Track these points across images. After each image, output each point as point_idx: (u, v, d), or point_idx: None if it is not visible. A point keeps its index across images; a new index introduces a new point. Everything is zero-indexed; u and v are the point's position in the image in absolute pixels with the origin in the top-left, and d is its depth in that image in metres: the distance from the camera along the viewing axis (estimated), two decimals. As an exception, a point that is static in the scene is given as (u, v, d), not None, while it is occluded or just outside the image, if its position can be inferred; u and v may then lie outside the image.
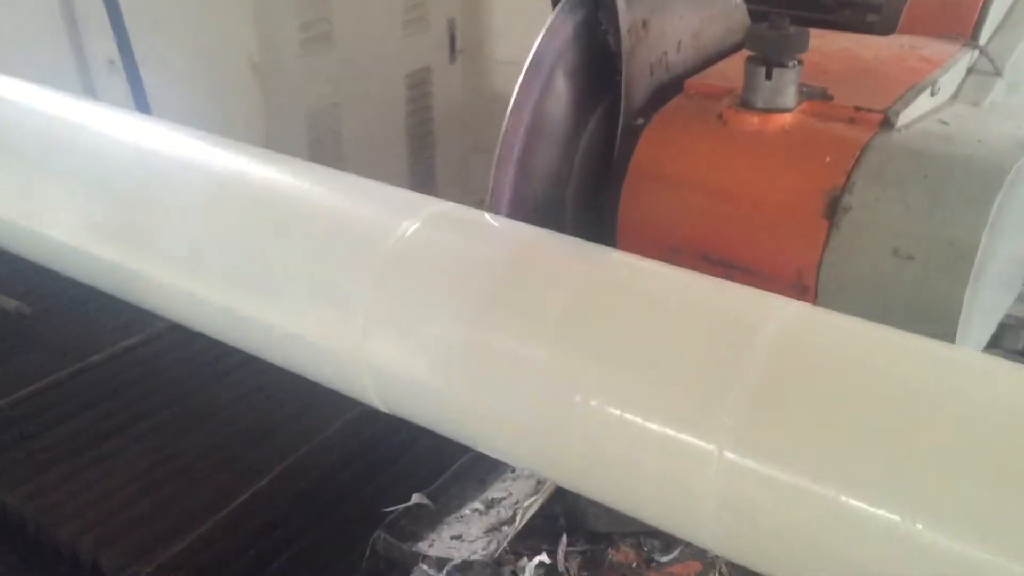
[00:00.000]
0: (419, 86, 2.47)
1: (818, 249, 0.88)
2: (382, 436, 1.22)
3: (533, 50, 0.92)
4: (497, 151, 0.93)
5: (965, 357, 0.72)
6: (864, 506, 0.66)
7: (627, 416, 0.73)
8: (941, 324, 0.84)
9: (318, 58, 2.14)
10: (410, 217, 0.83)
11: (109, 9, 1.71)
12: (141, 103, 1.81)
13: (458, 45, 2.48)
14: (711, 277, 0.77)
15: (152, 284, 0.99)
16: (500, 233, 0.84)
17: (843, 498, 0.67)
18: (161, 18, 1.83)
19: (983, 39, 1.04)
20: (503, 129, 0.91)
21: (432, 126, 2.55)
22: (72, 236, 1.05)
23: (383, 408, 0.92)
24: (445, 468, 1.17)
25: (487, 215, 0.86)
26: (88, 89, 1.79)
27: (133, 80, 1.80)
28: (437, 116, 2.54)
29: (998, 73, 1.01)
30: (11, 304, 1.56)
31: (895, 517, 0.64)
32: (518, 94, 0.91)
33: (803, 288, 0.89)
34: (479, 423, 0.84)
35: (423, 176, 2.52)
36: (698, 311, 0.77)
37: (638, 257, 0.81)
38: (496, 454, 0.88)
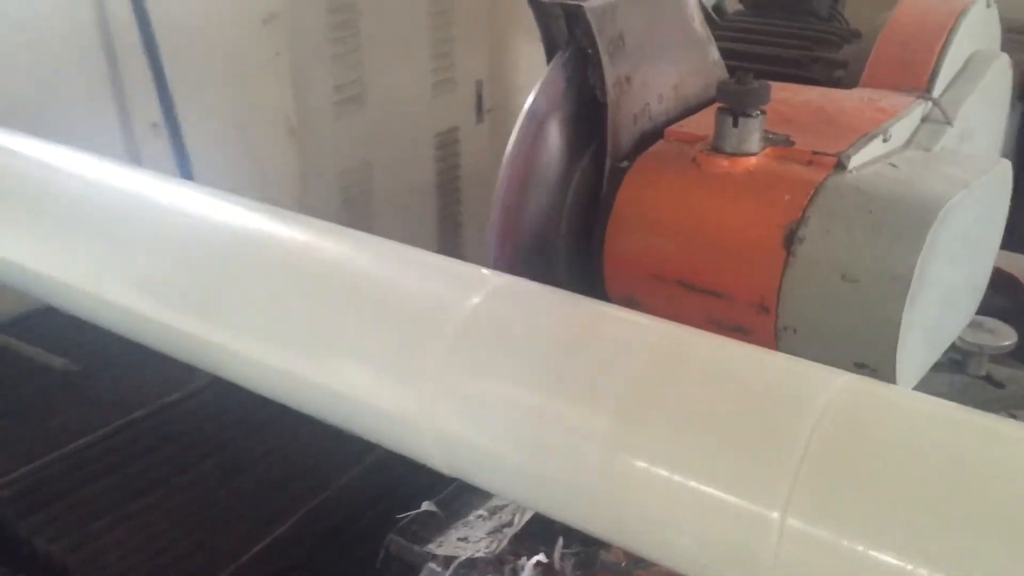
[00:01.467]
0: (448, 145, 2.59)
1: (778, 275, 0.99)
2: (400, 479, 1.34)
3: (529, 102, 1.04)
4: (497, 192, 1.04)
5: (1014, 430, 0.75)
6: (922, 571, 0.68)
7: (690, 483, 0.75)
8: (882, 339, 0.94)
9: (351, 119, 2.26)
10: (475, 291, 0.88)
11: (155, 75, 1.83)
12: (183, 165, 1.91)
13: (485, 105, 2.60)
14: (760, 348, 0.82)
15: (219, 349, 1.02)
16: (561, 306, 0.89)
17: (898, 563, 0.68)
18: (202, 83, 1.95)
19: (936, 92, 1.15)
20: (501, 170, 1.04)
21: (460, 183, 2.67)
22: (140, 302, 1.09)
23: (447, 471, 0.93)
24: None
25: (546, 288, 0.91)
26: (131, 151, 1.90)
27: (176, 142, 1.91)
28: (464, 174, 2.66)
29: (949, 122, 1.12)
30: (58, 362, 1.66)
31: None
32: (515, 140, 1.03)
33: (765, 309, 1.00)
34: (543, 489, 0.85)
35: (451, 231, 2.64)
36: (753, 383, 0.79)
37: (689, 328, 0.85)
38: (560, 517, 0.88)
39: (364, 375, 0.90)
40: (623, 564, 1.14)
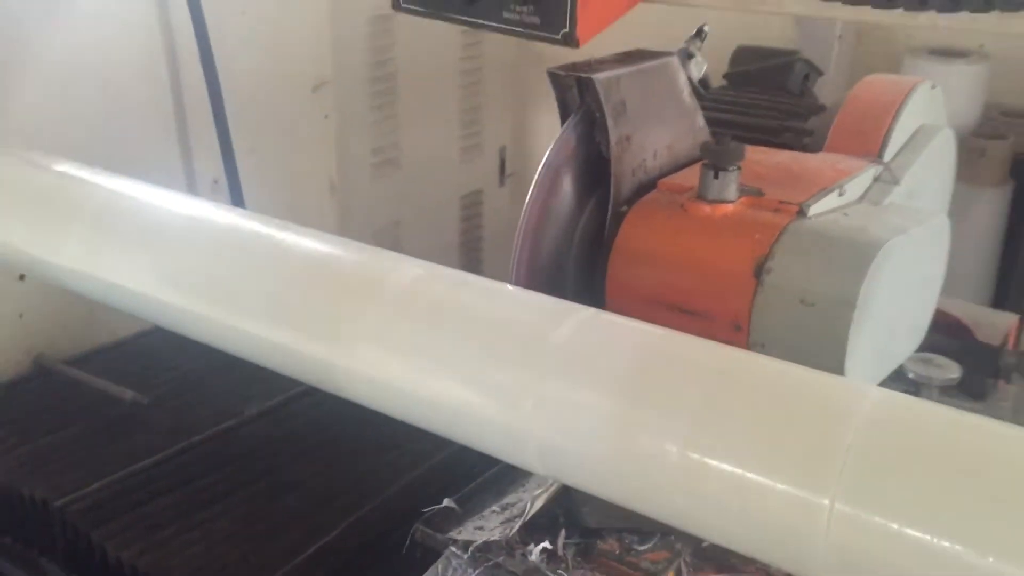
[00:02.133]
0: (472, 207, 2.75)
1: (749, 299, 1.16)
2: (430, 499, 1.42)
3: (545, 157, 1.24)
4: (519, 230, 1.23)
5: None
6: (958, 548, 0.79)
7: (752, 476, 0.88)
8: (832, 355, 1.11)
9: (386, 180, 2.43)
10: (565, 320, 1.02)
11: (220, 136, 1.99)
12: (240, 219, 2.08)
13: (508, 170, 2.78)
14: (803, 367, 0.95)
15: (346, 372, 1.13)
16: (636, 331, 1.03)
17: (938, 541, 0.80)
18: (257, 144, 2.11)
19: (887, 157, 1.36)
20: (523, 212, 1.25)
21: (482, 243, 2.82)
22: (271, 331, 1.20)
23: (542, 472, 1.08)
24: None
25: (621, 317, 1.06)
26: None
27: (235, 198, 2.05)
28: (486, 234, 2.81)
29: (896, 182, 1.33)
30: (128, 394, 1.78)
31: (986, 560, 0.78)
32: (534, 187, 1.22)
33: (739, 327, 1.18)
34: (628, 484, 0.98)
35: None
36: (802, 392, 0.93)
37: (743, 351, 1.02)
38: (641, 508, 1.00)
39: (474, 393, 1.04)
40: (617, 552, 1.27)
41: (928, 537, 0.81)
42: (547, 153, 1.24)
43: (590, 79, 1.22)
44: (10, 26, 1.70)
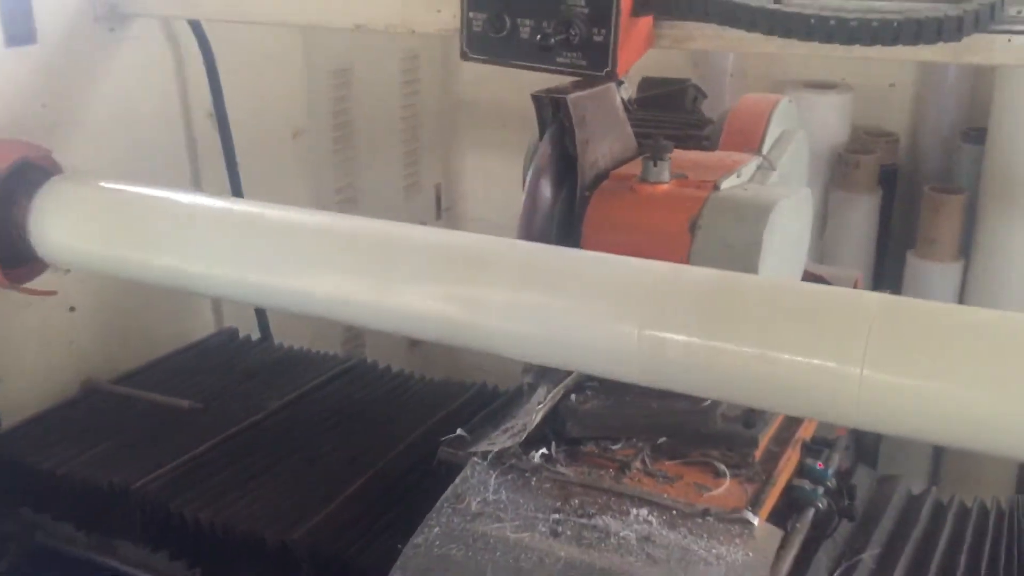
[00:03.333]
0: None
1: (687, 249, 1.51)
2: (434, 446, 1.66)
3: (534, 161, 1.60)
4: (520, 214, 1.61)
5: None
6: (964, 393, 1.09)
7: (799, 359, 1.19)
8: None
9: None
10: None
11: (231, 177, 2.30)
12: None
13: (443, 205, 3.11)
14: (815, 285, 1.34)
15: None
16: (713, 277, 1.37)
17: (939, 386, 1.11)
18: (250, 185, 2.36)
19: (764, 151, 1.82)
20: (523, 199, 1.62)
21: None
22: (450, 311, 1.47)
23: (645, 381, 1.36)
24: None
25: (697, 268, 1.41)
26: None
27: None
28: None
29: (773, 168, 1.85)
30: (185, 403, 2.02)
31: (986, 396, 1.10)
32: (529, 180, 1.60)
33: (680, 270, 1.67)
34: (719, 379, 1.29)
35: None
36: (825, 300, 1.27)
37: (785, 280, 1.47)
38: (728, 397, 1.40)
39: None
40: (596, 452, 1.55)
41: (939, 386, 1.10)
42: (535, 158, 1.65)
43: (564, 99, 1.56)
44: (66, 91, 2.03)
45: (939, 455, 2.82)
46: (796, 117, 2.00)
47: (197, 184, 2.30)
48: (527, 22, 1.60)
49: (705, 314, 1.28)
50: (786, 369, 1.21)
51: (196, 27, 2.15)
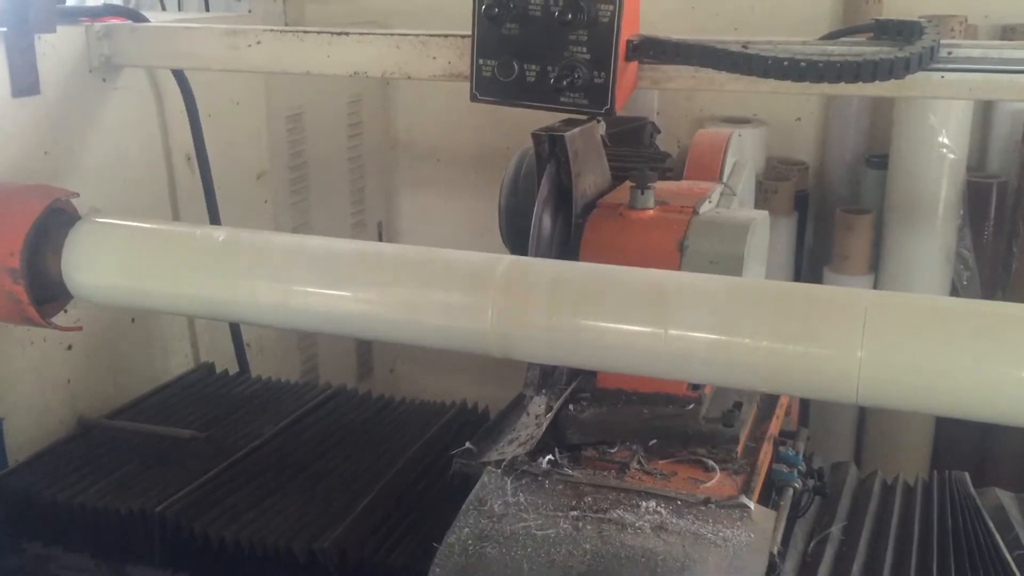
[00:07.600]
0: None
1: (676, 266, 1.74)
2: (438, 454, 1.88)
3: (540, 194, 1.81)
4: (531, 238, 1.81)
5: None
6: (957, 365, 1.28)
7: (802, 348, 1.37)
8: None
9: None
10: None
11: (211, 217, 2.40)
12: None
13: (383, 240, 3.25)
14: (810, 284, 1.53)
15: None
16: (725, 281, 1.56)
17: (933, 364, 1.29)
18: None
19: (724, 179, 2.11)
20: (532, 227, 1.83)
21: None
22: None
23: (676, 375, 1.57)
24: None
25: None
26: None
27: None
28: None
29: (733, 194, 2.09)
30: (186, 433, 2.10)
31: (979, 367, 1.29)
32: (536, 213, 1.79)
33: (671, 284, 1.89)
34: (733, 368, 1.45)
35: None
36: (824, 295, 1.47)
37: (784, 283, 1.58)
38: (740, 384, 1.62)
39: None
40: (596, 456, 1.66)
41: (928, 363, 1.28)
42: (540, 191, 1.83)
43: (561, 136, 1.75)
44: (65, 138, 2.11)
45: (860, 436, 3.12)
46: (746, 151, 2.26)
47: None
48: (533, 67, 1.80)
49: (722, 314, 1.46)
50: (795, 358, 1.39)
51: (179, 76, 2.25)
